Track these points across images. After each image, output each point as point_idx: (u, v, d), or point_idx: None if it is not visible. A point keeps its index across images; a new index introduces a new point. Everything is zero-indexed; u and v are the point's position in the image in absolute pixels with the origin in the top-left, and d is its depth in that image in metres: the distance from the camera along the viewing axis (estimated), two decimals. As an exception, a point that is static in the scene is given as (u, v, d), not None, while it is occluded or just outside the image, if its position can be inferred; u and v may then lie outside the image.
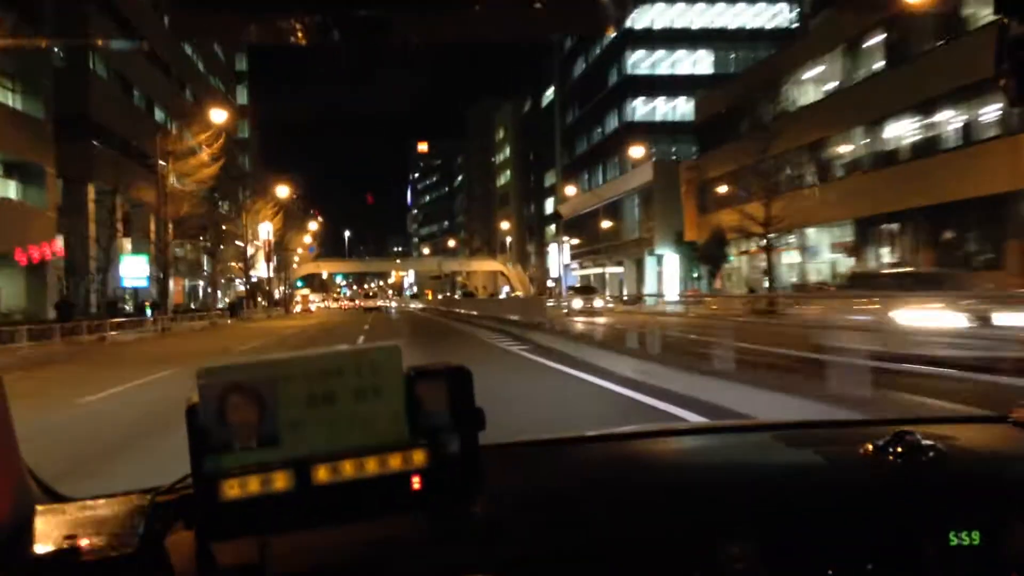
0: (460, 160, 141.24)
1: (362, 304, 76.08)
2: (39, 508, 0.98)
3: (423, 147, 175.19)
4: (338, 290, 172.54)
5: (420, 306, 67.66)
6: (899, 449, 1.12)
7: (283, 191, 68.42)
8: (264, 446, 0.82)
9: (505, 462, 1.21)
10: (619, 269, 58.10)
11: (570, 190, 68.62)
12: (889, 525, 1.01)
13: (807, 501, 1.07)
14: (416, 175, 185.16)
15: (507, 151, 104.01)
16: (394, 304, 69.89)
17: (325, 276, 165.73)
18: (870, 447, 1.15)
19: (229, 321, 44.32)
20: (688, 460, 1.33)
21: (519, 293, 75.55)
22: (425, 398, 0.87)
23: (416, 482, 0.85)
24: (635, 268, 54.45)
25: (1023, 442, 1.27)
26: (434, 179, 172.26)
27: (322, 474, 0.83)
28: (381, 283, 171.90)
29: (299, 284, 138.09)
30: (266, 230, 66.69)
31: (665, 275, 49.99)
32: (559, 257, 62.69)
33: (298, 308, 74.50)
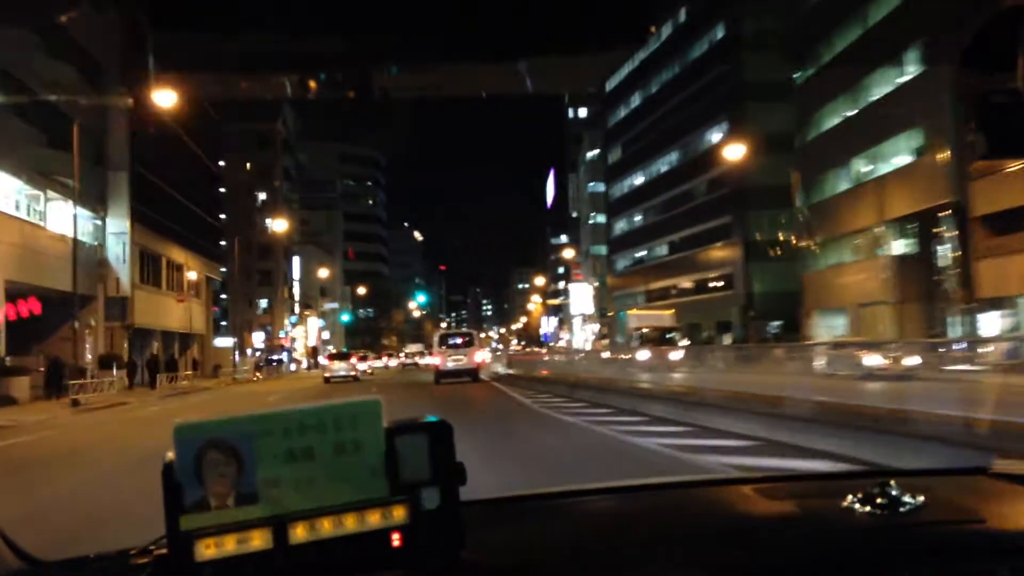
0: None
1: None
2: (13, 573, 0.96)
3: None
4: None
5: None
6: (879, 501, 1.13)
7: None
8: (241, 504, 0.81)
9: (489, 518, 1.19)
10: None
11: None
12: None
13: (789, 554, 1.07)
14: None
15: None
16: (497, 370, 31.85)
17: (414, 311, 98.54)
18: (850, 499, 1.15)
19: None
20: (671, 515, 1.32)
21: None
22: (405, 453, 0.86)
23: (396, 539, 0.84)
24: None
25: (1002, 494, 1.28)
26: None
27: (300, 532, 0.81)
28: (502, 330, 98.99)
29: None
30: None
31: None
32: None
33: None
